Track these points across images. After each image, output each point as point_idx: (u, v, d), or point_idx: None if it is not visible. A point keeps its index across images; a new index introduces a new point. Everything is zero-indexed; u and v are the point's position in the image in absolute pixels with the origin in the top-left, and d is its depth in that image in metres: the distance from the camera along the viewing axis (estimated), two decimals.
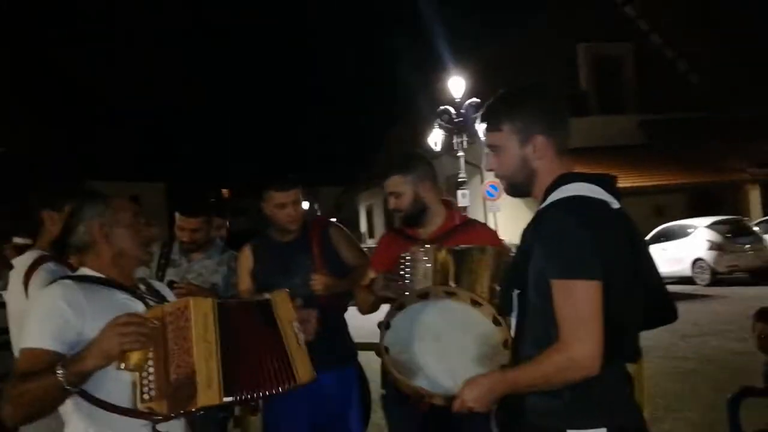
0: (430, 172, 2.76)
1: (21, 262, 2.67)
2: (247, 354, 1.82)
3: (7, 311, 2.83)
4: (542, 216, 1.69)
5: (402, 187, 2.69)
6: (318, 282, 2.95)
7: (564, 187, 1.69)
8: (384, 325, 2.13)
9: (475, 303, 2.11)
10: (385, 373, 2.82)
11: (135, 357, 1.64)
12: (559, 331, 1.59)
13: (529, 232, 1.73)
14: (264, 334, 1.88)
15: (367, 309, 2.84)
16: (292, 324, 1.95)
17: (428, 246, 2.52)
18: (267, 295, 1.99)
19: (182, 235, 3.45)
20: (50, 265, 2.55)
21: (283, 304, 1.98)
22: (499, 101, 1.83)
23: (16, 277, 2.64)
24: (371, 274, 2.80)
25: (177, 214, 3.47)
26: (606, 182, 1.72)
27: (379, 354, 2.08)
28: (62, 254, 2.50)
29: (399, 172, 2.71)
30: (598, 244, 1.58)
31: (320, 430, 3.03)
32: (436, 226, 2.72)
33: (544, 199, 1.73)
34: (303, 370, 1.90)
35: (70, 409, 1.77)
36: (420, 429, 2.71)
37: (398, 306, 2.18)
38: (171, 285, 3.00)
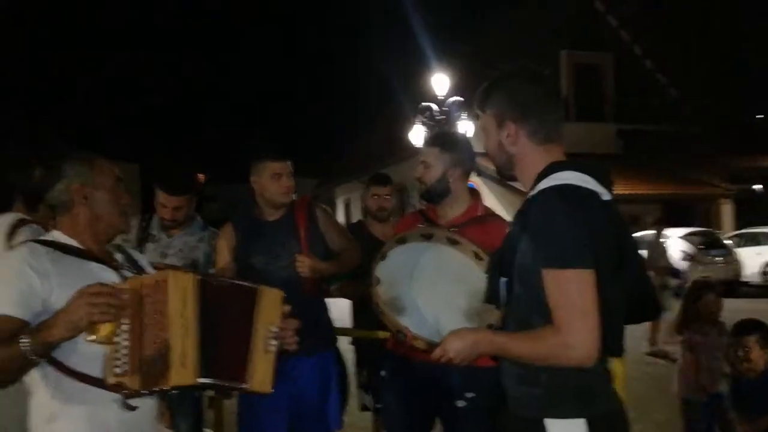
0: (468, 164, 2.71)
1: (2, 221, 2.57)
2: (222, 338, 1.74)
3: None
4: (530, 204, 1.66)
5: (434, 160, 2.65)
6: (304, 264, 2.88)
7: (554, 175, 1.66)
8: (380, 256, 2.06)
9: (477, 256, 2.06)
10: (386, 356, 2.78)
11: (105, 329, 1.56)
12: (554, 318, 1.56)
13: (518, 218, 1.70)
14: (235, 322, 1.78)
15: None
16: (270, 328, 1.82)
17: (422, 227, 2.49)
18: (256, 285, 1.87)
19: (163, 213, 3.38)
20: (34, 226, 2.45)
21: (271, 303, 1.84)
22: (486, 84, 1.85)
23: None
24: None
25: (159, 192, 3.39)
26: (598, 172, 1.69)
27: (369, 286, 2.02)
28: (34, 210, 2.40)
29: (438, 145, 2.69)
30: (588, 232, 1.56)
31: (298, 415, 2.97)
32: (457, 213, 2.67)
33: (534, 186, 1.70)
34: (259, 377, 1.78)
35: (36, 378, 1.69)
36: (416, 412, 2.66)
37: (399, 240, 2.12)
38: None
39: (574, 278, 1.54)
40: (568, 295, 1.54)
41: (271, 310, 1.84)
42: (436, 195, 2.67)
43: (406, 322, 1.92)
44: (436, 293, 2.03)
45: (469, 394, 2.52)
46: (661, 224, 9.68)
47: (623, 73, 20.97)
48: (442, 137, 2.83)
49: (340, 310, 3.05)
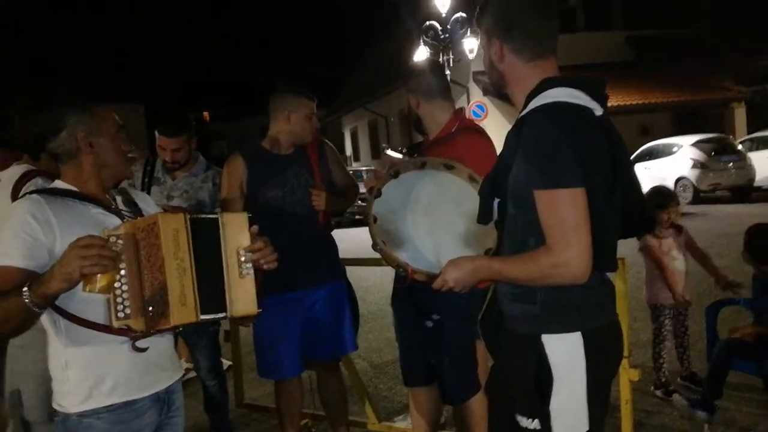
0: (421, 89, 2.74)
1: (8, 175, 2.59)
2: (212, 272, 1.74)
3: None
4: (523, 123, 1.65)
5: (407, 97, 2.78)
6: (320, 197, 2.97)
7: (546, 93, 1.64)
8: (375, 192, 2.07)
9: (472, 179, 2.05)
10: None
11: (102, 280, 1.57)
12: (547, 238, 1.58)
13: (510, 139, 1.70)
14: (211, 254, 1.75)
15: None
16: (239, 251, 1.79)
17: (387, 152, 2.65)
18: (216, 213, 1.84)
19: (163, 155, 3.43)
20: (39, 180, 2.47)
21: (235, 227, 1.80)
22: (480, 2, 1.82)
23: (3, 190, 2.56)
24: None
25: (157, 134, 3.43)
26: (591, 87, 1.67)
27: (367, 222, 2.03)
28: (36, 160, 2.42)
29: (403, 82, 2.85)
30: (579, 151, 1.55)
31: (313, 341, 3.09)
32: (432, 137, 2.74)
33: (526, 105, 1.69)
34: (241, 302, 1.76)
35: (48, 326, 1.76)
36: (407, 329, 2.83)
37: (393, 173, 2.11)
38: None
39: (565, 197, 1.55)
40: (559, 215, 1.55)
41: (237, 234, 1.80)
42: (416, 127, 2.81)
43: (405, 256, 1.92)
44: (434, 221, 2.03)
45: (435, 316, 2.66)
46: None
47: None
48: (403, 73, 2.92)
49: (354, 240, 3.12)
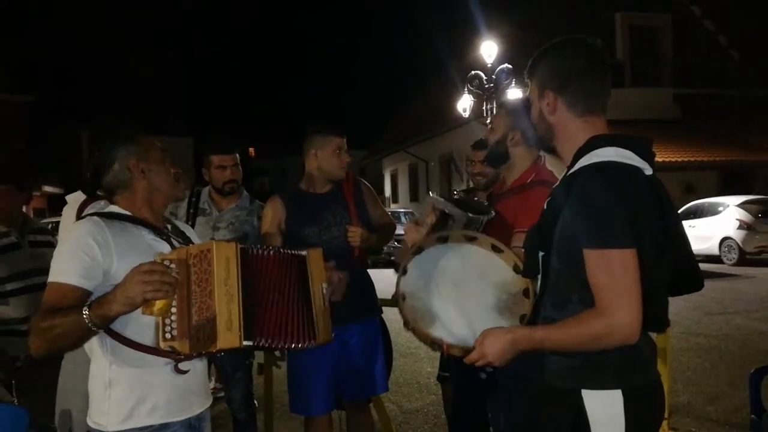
0: (529, 130, 2.44)
1: (74, 197, 2.69)
2: (271, 302, 1.83)
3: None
4: (573, 180, 1.66)
5: (497, 123, 2.59)
6: (355, 234, 3.01)
7: (596, 152, 1.65)
8: (401, 271, 2.05)
9: (496, 249, 2.04)
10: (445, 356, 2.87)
11: (158, 304, 1.65)
12: (597, 299, 1.56)
13: (558, 195, 1.70)
14: (293, 287, 1.90)
15: None
16: (322, 284, 1.97)
17: (431, 199, 2.52)
18: (304, 252, 1.99)
19: (225, 175, 3.50)
20: (101, 202, 2.57)
21: (316, 262, 2.00)
22: (534, 54, 1.85)
23: (69, 211, 2.65)
24: None
25: (214, 157, 3.52)
26: (640, 146, 1.68)
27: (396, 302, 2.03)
28: (93, 196, 2.51)
29: (504, 107, 2.70)
30: (630, 211, 1.55)
31: (345, 379, 3.08)
32: (509, 183, 2.58)
33: (575, 161, 1.70)
34: (323, 331, 1.93)
35: (95, 345, 1.81)
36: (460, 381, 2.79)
37: (416, 250, 2.11)
38: None
39: (617, 258, 1.54)
40: (610, 275, 1.54)
41: (319, 268, 1.99)
42: (494, 158, 2.61)
43: (439, 332, 1.91)
44: (462, 294, 2.02)
45: (489, 368, 2.55)
46: None
47: (681, 36, 20.14)
48: (512, 101, 2.77)
49: (388, 281, 3.11)
